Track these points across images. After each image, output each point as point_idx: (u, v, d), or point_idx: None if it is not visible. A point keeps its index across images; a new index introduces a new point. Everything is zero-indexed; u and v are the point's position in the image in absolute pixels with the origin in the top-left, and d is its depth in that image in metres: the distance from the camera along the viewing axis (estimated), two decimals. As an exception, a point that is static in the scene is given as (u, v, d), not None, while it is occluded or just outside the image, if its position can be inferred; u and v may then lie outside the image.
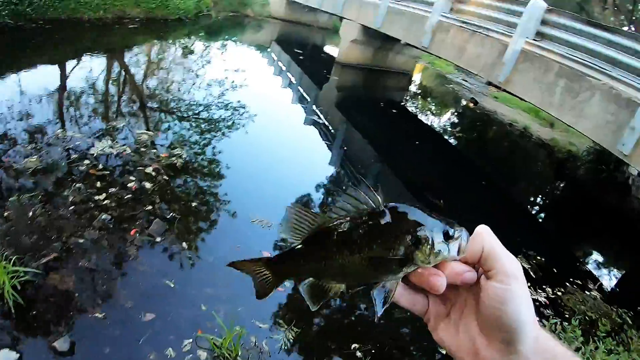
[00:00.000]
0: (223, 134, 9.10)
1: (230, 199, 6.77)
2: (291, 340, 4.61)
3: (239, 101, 10.73)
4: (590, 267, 9.93)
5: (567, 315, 6.93)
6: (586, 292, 7.97)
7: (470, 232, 0.76)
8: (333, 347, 4.85)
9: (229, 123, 9.65)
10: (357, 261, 0.76)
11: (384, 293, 0.77)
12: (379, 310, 0.76)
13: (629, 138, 7.19)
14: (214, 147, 8.31)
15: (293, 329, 4.71)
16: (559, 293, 7.49)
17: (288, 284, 5.18)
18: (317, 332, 5.07)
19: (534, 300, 5.32)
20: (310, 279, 0.83)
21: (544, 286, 7.45)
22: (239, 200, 6.85)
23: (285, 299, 5.14)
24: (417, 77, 25.94)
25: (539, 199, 14.04)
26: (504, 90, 12.35)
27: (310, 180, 8.75)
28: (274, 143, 9.66)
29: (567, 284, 7.99)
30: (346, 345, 4.79)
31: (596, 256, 11.07)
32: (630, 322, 7.66)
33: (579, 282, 8.29)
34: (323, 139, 11.15)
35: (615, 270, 11.16)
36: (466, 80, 27.52)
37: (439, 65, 29.00)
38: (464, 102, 22.48)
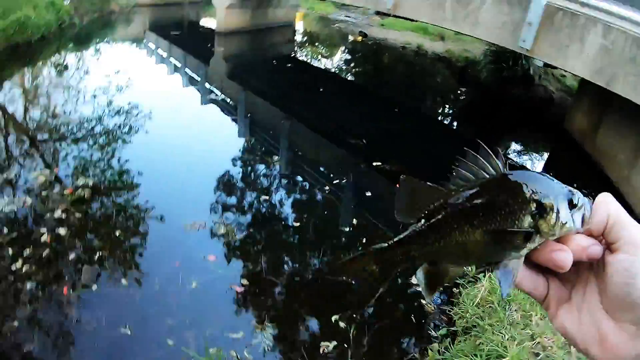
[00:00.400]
0: (124, 141, 8.41)
1: (155, 208, 6.25)
2: (271, 339, 4.37)
3: (129, 103, 9.95)
4: (519, 160, 10.27)
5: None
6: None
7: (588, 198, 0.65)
8: (314, 326, 4.66)
9: (126, 129, 8.94)
10: (478, 237, 0.65)
11: (509, 274, 0.65)
12: (504, 292, 0.65)
13: (527, 34, 7.30)
14: (119, 159, 7.63)
15: (267, 327, 4.46)
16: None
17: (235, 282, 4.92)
18: (292, 317, 4.84)
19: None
20: (425, 264, 0.71)
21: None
22: (164, 206, 6.31)
23: (242, 298, 4.86)
24: (300, 26, 25.46)
25: (449, 109, 14.32)
26: (394, 16, 12.22)
27: (225, 159, 8.36)
28: (178, 133, 9.08)
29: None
30: (326, 321, 4.59)
31: (518, 147, 11.46)
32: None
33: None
34: (226, 114, 10.69)
35: (540, 155, 11.64)
36: (349, 17, 27.32)
37: (319, 8, 28.58)
38: (352, 38, 22.31)
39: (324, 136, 9.54)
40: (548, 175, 0.66)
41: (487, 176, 0.67)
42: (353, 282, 4.85)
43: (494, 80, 13.45)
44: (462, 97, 15.26)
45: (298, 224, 6.56)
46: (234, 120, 10.39)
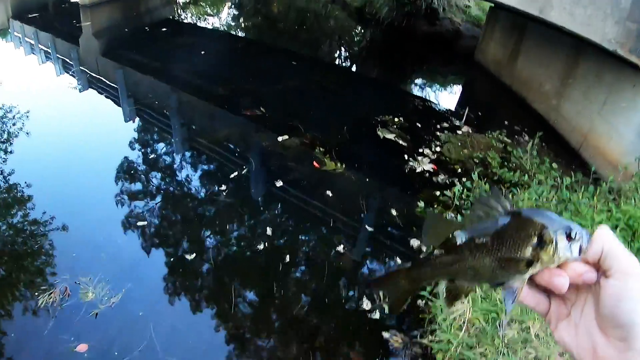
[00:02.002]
0: (2, 151, 6.20)
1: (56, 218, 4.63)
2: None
3: (1, 107, 7.52)
4: (440, 102, 8.99)
5: (459, 170, 5.78)
6: (455, 130, 6.87)
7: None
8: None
9: (3, 136, 6.67)
10: (488, 263, 0.76)
11: (513, 293, 0.76)
12: (508, 309, 0.76)
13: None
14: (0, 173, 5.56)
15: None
16: (437, 148, 6.24)
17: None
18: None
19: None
20: (445, 281, 0.83)
21: (419, 148, 6.15)
22: (67, 217, 4.70)
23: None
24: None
25: (352, 53, 12.70)
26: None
27: (118, 145, 6.43)
28: (63, 128, 6.94)
29: (432, 129, 6.84)
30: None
31: (430, 82, 10.18)
32: (505, 137, 6.80)
33: (440, 120, 7.19)
34: (108, 97, 8.41)
35: (453, 89, 10.45)
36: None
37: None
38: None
39: (217, 103, 7.61)
40: (551, 213, 0.74)
41: (499, 212, 0.76)
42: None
43: (396, 16, 12.00)
44: (364, 39, 13.70)
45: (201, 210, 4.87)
46: (116, 102, 8.18)
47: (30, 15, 14.50)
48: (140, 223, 4.58)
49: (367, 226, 4.65)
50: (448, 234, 0.79)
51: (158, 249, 4.36)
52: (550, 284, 0.73)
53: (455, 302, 0.83)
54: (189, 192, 5.25)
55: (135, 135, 6.75)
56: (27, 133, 6.75)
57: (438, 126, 6.93)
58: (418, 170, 5.65)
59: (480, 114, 7.72)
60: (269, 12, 16.78)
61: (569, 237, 0.71)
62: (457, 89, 10.62)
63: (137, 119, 7.27)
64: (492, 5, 9.87)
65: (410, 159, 5.84)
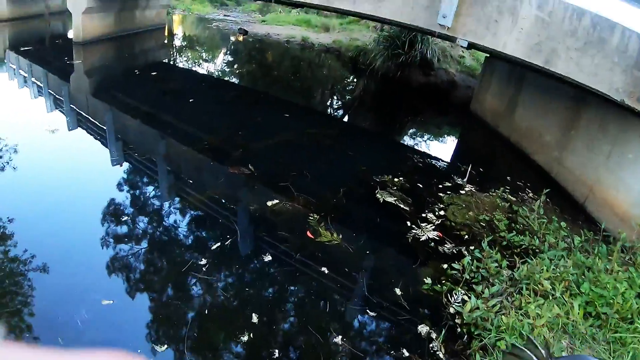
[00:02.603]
0: None
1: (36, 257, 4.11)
2: None
3: None
4: (438, 156, 8.49)
5: (466, 237, 5.21)
6: (458, 190, 6.33)
7: None
8: None
9: None
10: None
11: None
12: None
13: (448, 8, 5.35)
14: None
15: None
16: (440, 212, 5.68)
17: None
18: None
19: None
20: None
21: (422, 212, 5.58)
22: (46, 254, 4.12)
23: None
24: (176, 29, 22.37)
25: (345, 103, 12.29)
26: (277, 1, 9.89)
27: (103, 188, 5.94)
28: (50, 166, 6.39)
29: (434, 189, 6.30)
30: None
31: (425, 133, 9.72)
32: (509, 195, 6.27)
33: (441, 179, 6.66)
34: (96, 138, 7.87)
35: (452, 140, 9.97)
36: (228, 16, 24.76)
37: (196, 9, 25.66)
38: (233, 39, 19.68)
39: (204, 157, 7.04)
40: (591, 358, 0.88)
41: None
42: None
43: (390, 67, 11.66)
44: (358, 89, 13.33)
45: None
46: (104, 144, 7.63)
47: (25, 48, 14.10)
48: (105, 302, 3.92)
49: (368, 310, 4.03)
50: None
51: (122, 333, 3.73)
52: None
53: None
54: (167, 258, 4.60)
55: (122, 179, 6.18)
56: (14, 168, 6.19)
57: (440, 186, 6.41)
58: (422, 239, 5.07)
59: (481, 169, 7.21)
60: (264, 59, 16.54)
61: None
62: (455, 141, 10.18)
63: (124, 163, 6.70)
64: (487, 55, 9.54)
65: (414, 225, 5.27)
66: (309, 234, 4.87)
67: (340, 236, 4.83)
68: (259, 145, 7.29)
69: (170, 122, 8.56)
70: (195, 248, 4.66)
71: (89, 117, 8.78)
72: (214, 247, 4.62)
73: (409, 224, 5.29)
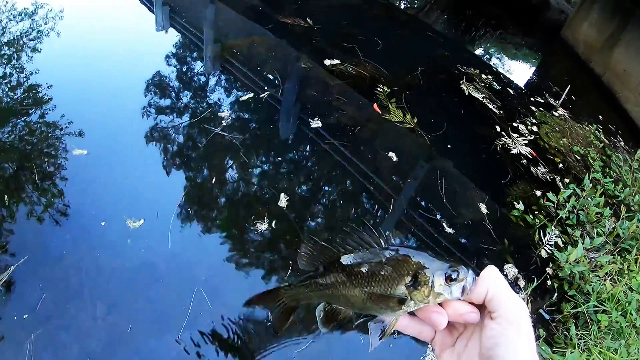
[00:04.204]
0: (30, 49, 4.27)
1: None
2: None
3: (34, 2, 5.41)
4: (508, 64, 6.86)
5: (560, 165, 3.83)
6: (550, 110, 4.87)
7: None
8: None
9: (33, 33, 4.76)
10: (359, 294, 0.73)
11: (381, 327, 0.73)
12: (374, 343, 0.72)
13: None
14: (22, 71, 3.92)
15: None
16: (533, 127, 4.26)
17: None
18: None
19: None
20: (323, 303, 0.80)
21: (512, 121, 4.17)
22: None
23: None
24: None
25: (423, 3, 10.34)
26: None
27: (147, 55, 4.48)
28: (93, 33, 4.90)
29: (525, 99, 4.84)
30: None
31: (508, 49, 8.03)
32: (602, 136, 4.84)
33: (532, 93, 5.18)
34: (142, 3, 6.20)
35: (531, 63, 8.26)
36: None
37: None
38: None
39: (255, 20, 5.41)
40: (430, 253, 0.70)
41: (374, 246, 0.73)
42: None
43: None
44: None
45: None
46: (150, 10, 5.99)
47: None
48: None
49: (445, 224, 2.73)
50: (324, 258, 0.77)
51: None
52: (428, 320, 0.71)
53: (331, 324, 0.80)
54: (201, 125, 3.24)
55: (167, 45, 4.71)
56: (58, 34, 4.87)
57: (532, 98, 4.91)
58: (513, 151, 3.69)
59: (573, 97, 5.67)
60: None
61: (449, 279, 0.68)
62: (535, 67, 8.41)
63: (169, 29, 5.18)
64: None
65: (503, 133, 3.86)
66: (375, 107, 3.49)
67: (415, 120, 3.45)
68: (320, 2, 5.66)
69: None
70: (237, 101, 3.31)
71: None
72: (250, 97, 3.25)
73: (498, 129, 3.89)
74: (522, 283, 2.60)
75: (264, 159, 2.90)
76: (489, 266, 0.69)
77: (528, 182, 3.45)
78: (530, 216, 3.13)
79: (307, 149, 3.10)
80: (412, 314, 0.72)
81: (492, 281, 0.68)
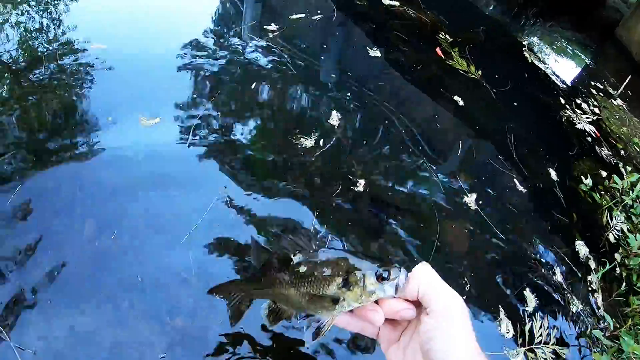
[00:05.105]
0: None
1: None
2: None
3: None
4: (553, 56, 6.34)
5: (622, 152, 3.38)
6: (611, 95, 4.43)
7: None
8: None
9: None
10: (294, 294, 0.75)
11: (318, 325, 0.74)
12: (309, 340, 0.73)
13: None
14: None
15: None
16: (594, 109, 3.80)
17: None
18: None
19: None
20: (269, 301, 0.82)
21: (575, 97, 3.71)
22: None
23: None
24: None
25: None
26: None
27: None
28: None
29: (586, 82, 4.37)
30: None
31: (557, 40, 7.49)
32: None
33: (592, 77, 4.71)
34: None
35: (581, 59, 7.71)
36: None
37: None
38: None
39: None
40: (362, 255, 0.71)
41: (306, 249, 0.75)
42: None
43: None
44: None
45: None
46: None
47: None
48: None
49: (516, 180, 2.31)
50: (268, 259, 0.80)
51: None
52: (365, 318, 0.71)
53: (277, 322, 0.81)
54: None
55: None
56: None
57: (592, 82, 4.44)
58: (578, 126, 3.25)
59: (629, 92, 5.18)
60: None
61: (380, 278, 0.68)
62: (583, 64, 7.86)
63: None
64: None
65: (567, 106, 3.41)
66: (438, 51, 3.04)
67: (480, 72, 3.01)
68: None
69: None
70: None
71: None
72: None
73: (562, 101, 3.44)
74: (592, 265, 2.19)
75: (313, 74, 2.48)
76: (421, 263, 0.71)
77: (593, 160, 3.02)
78: (597, 195, 2.71)
79: (363, 73, 2.67)
80: (351, 312, 0.72)
81: (424, 278, 0.69)
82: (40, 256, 1.37)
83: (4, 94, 1.95)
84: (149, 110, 1.93)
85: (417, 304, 0.69)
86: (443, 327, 0.65)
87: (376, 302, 0.70)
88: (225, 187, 1.68)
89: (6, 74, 2.04)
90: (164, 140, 1.83)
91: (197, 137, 1.87)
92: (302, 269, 0.73)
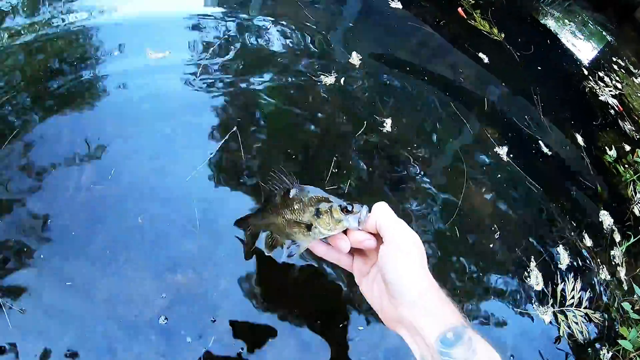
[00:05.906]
0: None
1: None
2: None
3: None
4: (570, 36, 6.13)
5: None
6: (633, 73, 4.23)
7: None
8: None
9: None
10: (280, 222, 0.89)
11: (295, 248, 0.87)
12: (283, 258, 0.95)
13: None
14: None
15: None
16: (616, 83, 3.62)
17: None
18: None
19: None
20: (268, 232, 0.99)
21: (597, 70, 3.53)
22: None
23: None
24: None
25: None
26: None
27: None
28: None
29: (608, 56, 4.19)
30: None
31: (574, 22, 7.26)
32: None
33: (613, 53, 4.51)
34: None
35: (599, 41, 7.47)
36: None
37: None
38: None
39: None
40: (329, 191, 0.87)
41: (288, 186, 0.89)
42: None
43: None
44: None
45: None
46: None
47: None
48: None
49: (541, 142, 2.15)
50: (270, 196, 0.94)
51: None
52: (335, 245, 0.84)
53: (273, 249, 0.97)
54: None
55: None
56: None
57: (613, 58, 4.24)
58: (601, 97, 3.07)
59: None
60: None
61: (345, 210, 0.80)
62: (603, 44, 7.60)
63: None
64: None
65: (590, 77, 3.23)
66: (460, 11, 2.86)
67: (503, 35, 2.82)
68: None
69: None
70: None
71: None
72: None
73: (584, 71, 3.26)
74: (617, 237, 2.04)
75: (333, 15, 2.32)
76: (379, 202, 0.81)
77: (617, 132, 2.86)
78: (622, 168, 2.56)
79: (384, 22, 2.50)
80: (328, 244, 0.87)
81: (381, 213, 0.79)
82: (31, 207, 1.22)
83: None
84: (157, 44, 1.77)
85: (378, 238, 0.79)
86: (394, 253, 0.74)
87: (345, 233, 0.81)
88: (236, 128, 1.53)
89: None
90: (170, 75, 1.66)
91: (208, 74, 1.71)
92: (286, 201, 0.87)
